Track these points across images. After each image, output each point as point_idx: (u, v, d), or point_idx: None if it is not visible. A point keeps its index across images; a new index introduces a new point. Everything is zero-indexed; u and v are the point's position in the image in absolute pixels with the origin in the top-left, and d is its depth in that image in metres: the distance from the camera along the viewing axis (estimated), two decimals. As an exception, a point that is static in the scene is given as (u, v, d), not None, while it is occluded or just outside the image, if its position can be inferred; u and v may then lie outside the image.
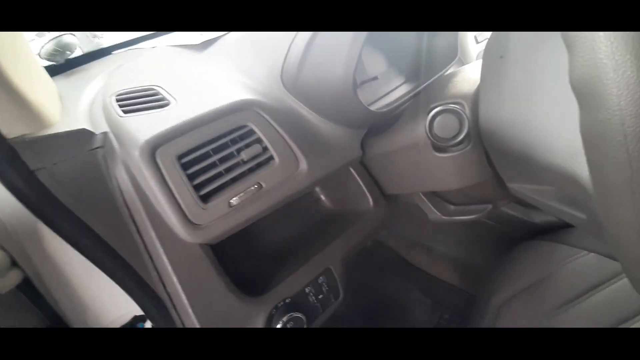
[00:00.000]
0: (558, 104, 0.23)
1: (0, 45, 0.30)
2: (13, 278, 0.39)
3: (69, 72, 0.55)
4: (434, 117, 0.34)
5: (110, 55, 0.61)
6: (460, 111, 0.33)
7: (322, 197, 0.55)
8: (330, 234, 0.47)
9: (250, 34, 0.48)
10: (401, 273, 1.10)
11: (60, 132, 0.35)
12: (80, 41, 0.56)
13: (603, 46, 0.19)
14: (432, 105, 0.34)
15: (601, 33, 0.19)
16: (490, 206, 0.47)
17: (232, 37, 0.52)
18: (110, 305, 0.44)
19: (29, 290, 0.42)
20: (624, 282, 0.54)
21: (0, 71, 0.30)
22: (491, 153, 0.38)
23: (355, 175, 0.49)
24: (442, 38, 0.57)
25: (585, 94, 0.20)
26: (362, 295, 1.04)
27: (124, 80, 0.44)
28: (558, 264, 0.64)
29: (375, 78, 0.51)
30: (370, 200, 0.49)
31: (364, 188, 0.49)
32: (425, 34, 0.57)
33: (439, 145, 0.39)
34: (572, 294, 0.57)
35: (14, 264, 0.39)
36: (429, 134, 0.35)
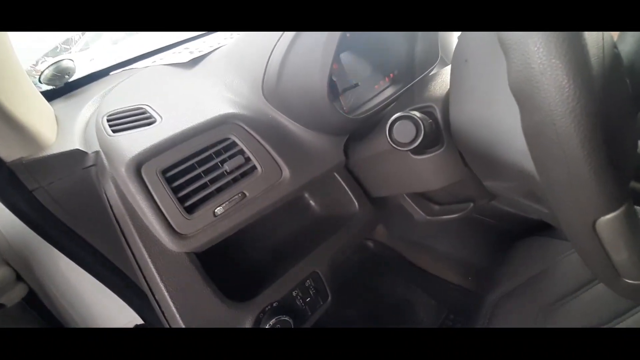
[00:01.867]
0: (512, 105, 0.24)
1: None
2: (19, 292, 0.42)
3: (68, 94, 0.58)
4: (392, 122, 0.36)
5: (108, 77, 0.64)
6: (417, 118, 0.34)
7: (312, 202, 0.56)
8: (317, 238, 0.48)
9: (234, 50, 0.50)
10: (405, 274, 1.10)
11: (55, 153, 0.38)
12: (77, 65, 0.60)
13: (533, 52, 0.20)
14: (395, 114, 0.35)
15: (530, 40, 0.20)
16: (472, 204, 0.47)
17: (217, 54, 0.55)
18: (112, 314, 0.46)
19: (34, 302, 0.44)
20: None
21: (-3, 100, 0.33)
22: (463, 153, 0.39)
23: (340, 181, 0.51)
24: (422, 42, 0.58)
25: (521, 97, 0.22)
26: (365, 297, 1.05)
27: (115, 101, 0.47)
28: (553, 259, 0.64)
29: (356, 85, 0.52)
30: (357, 204, 0.50)
31: (349, 192, 0.50)
32: (406, 38, 0.58)
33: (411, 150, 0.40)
34: (567, 288, 0.57)
35: (19, 278, 0.42)
36: (389, 140, 0.36)
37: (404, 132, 0.35)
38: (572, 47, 0.20)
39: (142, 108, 0.44)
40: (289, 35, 0.42)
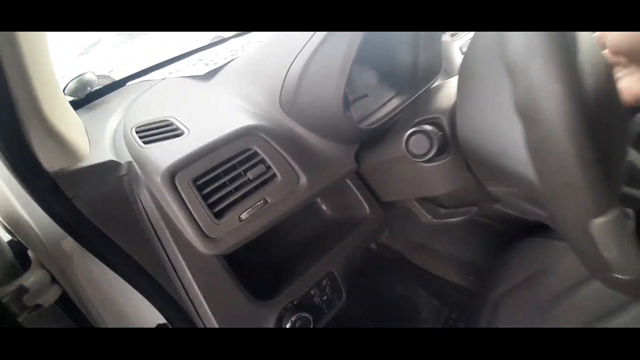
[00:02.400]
0: (515, 120, 0.28)
1: (40, 87, 0.36)
2: (53, 293, 0.44)
3: (88, 105, 0.61)
4: (409, 136, 0.39)
5: (124, 87, 0.67)
6: (430, 132, 0.38)
7: (324, 207, 0.59)
8: (331, 241, 0.51)
9: (250, 62, 0.54)
10: (407, 275, 1.13)
11: (92, 164, 0.41)
12: (97, 77, 0.63)
13: (535, 78, 0.24)
14: (410, 125, 0.38)
15: (534, 67, 0.24)
16: (475, 208, 0.51)
17: (233, 67, 0.58)
18: (138, 314, 0.49)
19: (66, 304, 0.47)
20: None
21: (42, 112, 0.35)
22: (469, 161, 0.42)
23: (352, 186, 0.54)
24: (425, 54, 0.62)
25: (526, 116, 0.25)
26: (370, 298, 1.07)
27: (140, 113, 0.50)
28: (551, 259, 0.67)
29: (365, 96, 0.56)
30: (367, 208, 0.54)
31: (361, 197, 0.54)
32: (410, 50, 0.61)
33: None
34: (564, 285, 0.60)
35: (54, 280, 0.45)
36: (406, 152, 0.40)
37: (418, 144, 0.39)
38: (570, 72, 0.23)
39: (168, 120, 0.47)
40: (308, 49, 0.45)
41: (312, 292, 0.46)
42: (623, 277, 0.28)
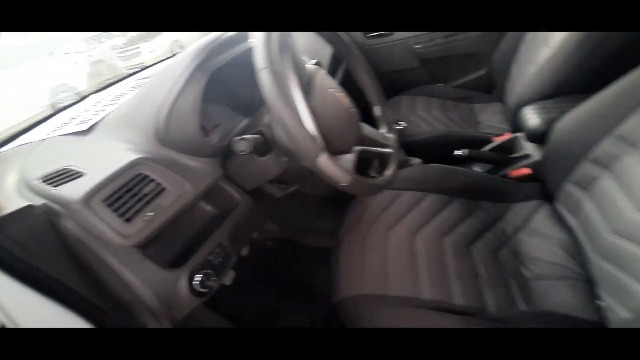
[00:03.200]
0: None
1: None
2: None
3: None
4: (234, 142, 0.67)
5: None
6: (248, 138, 0.67)
7: (208, 207, 0.82)
8: (217, 224, 0.75)
9: (125, 113, 0.73)
10: (305, 255, 1.41)
11: (12, 211, 0.54)
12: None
13: (269, 102, 0.55)
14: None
15: (271, 109, 0.54)
16: (304, 180, 0.83)
17: (110, 120, 0.75)
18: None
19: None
20: None
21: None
22: (284, 152, 0.73)
23: (224, 186, 0.79)
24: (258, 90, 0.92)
25: (272, 117, 0.56)
26: (283, 283, 1.29)
27: (36, 169, 0.64)
28: (370, 201, 1.06)
29: (218, 125, 0.82)
30: (237, 195, 0.80)
31: (231, 191, 0.79)
32: (248, 88, 0.90)
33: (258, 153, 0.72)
34: (376, 212, 0.98)
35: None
36: (235, 150, 0.68)
37: (241, 146, 0.67)
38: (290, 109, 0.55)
39: (67, 168, 0.62)
40: (170, 99, 0.68)
41: (209, 257, 0.69)
42: (345, 184, 0.61)
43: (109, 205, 0.58)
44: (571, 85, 1.00)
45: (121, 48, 3.86)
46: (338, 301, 0.79)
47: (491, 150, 1.19)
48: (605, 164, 0.76)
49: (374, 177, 0.77)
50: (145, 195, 0.63)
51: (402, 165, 1.30)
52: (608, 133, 0.76)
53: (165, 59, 1.15)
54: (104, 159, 0.65)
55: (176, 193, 0.67)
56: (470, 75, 1.81)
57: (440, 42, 1.74)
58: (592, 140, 0.79)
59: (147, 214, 0.61)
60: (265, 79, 0.54)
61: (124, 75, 1.06)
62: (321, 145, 0.56)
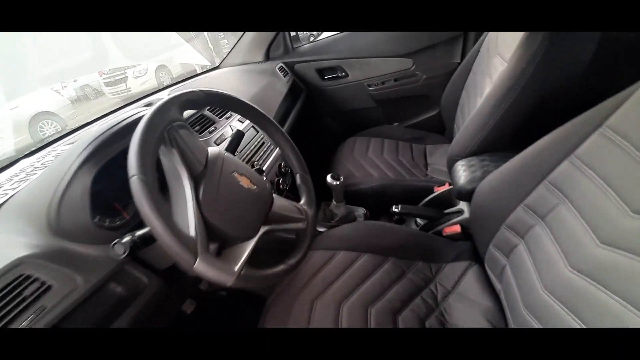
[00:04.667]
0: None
1: None
2: None
3: None
4: (112, 247, 0.66)
5: None
6: (126, 239, 0.65)
7: (119, 289, 0.79)
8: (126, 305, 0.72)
9: (14, 207, 0.70)
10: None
11: None
12: None
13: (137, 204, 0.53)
14: None
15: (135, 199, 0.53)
16: None
17: (10, 204, 0.73)
18: None
19: None
20: None
21: None
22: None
23: (129, 269, 0.76)
24: None
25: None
26: None
27: None
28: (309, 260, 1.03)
29: (131, 202, 0.80)
30: (143, 279, 0.77)
31: (136, 274, 0.76)
32: None
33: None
34: (314, 270, 0.96)
35: None
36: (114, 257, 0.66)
37: (119, 250, 0.65)
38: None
39: None
40: (60, 187, 0.66)
41: None
42: (230, 285, 0.59)
43: None
44: (493, 143, 1.00)
45: (106, 74, 3.88)
46: None
47: (430, 201, 1.19)
48: (520, 233, 0.76)
49: (277, 264, 0.75)
50: (27, 298, 0.60)
51: (344, 218, 1.30)
52: (521, 201, 0.76)
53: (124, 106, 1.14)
54: None
55: (66, 288, 0.63)
56: (423, 115, 1.84)
57: (391, 84, 1.78)
58: (509, 207, 0.79)
59: (27, 319, 0.58)
60: (134, 187, 0.53)
61: (50, 140, 1.05)
62: (195, 251, 0.55)
